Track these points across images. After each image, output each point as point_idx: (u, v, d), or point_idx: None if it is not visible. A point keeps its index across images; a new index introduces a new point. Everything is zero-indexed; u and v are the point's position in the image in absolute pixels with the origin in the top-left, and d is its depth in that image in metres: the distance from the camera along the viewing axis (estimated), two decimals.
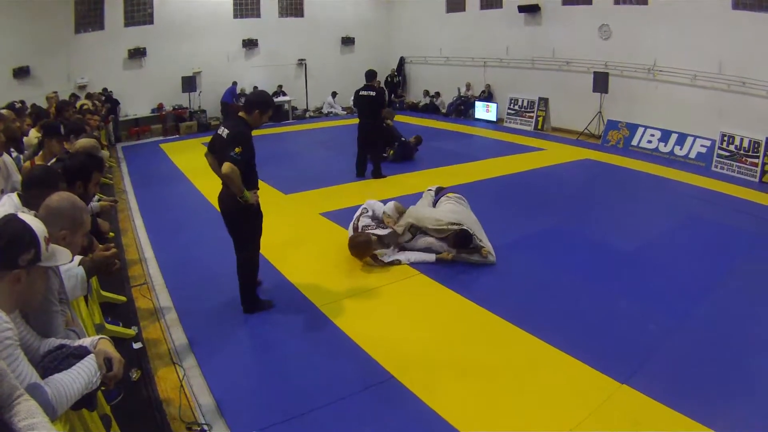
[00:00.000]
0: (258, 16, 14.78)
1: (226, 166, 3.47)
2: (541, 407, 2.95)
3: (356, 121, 8.28)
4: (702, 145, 9.48)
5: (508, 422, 2.83)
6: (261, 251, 4.09)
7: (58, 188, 2.36)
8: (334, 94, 15.94)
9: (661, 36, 10.02)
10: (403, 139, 9.34)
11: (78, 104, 9.56)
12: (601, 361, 3.31)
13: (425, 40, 16.09)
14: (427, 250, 4.96)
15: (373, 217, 5.25)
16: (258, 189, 3.84)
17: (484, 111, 13.98)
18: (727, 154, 8.90)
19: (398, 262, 4.85)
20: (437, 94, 15.70)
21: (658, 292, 4.33)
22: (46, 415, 1.38)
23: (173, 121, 13.39)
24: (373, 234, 4.89)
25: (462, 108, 14.70)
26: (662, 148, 10.11)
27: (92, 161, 3.11)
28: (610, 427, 2.75)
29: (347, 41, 16.61)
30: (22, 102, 8.80)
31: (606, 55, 11.19)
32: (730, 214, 6.66)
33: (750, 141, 8.57)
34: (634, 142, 10.61)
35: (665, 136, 10.13)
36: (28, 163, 4.33)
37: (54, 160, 3.85)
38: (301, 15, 15.62)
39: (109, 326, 3.65)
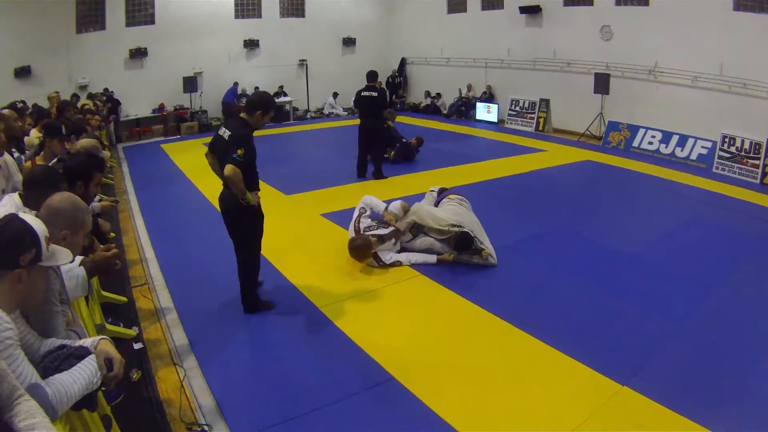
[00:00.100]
0: (259, 16, 14.80)
1: (229, 169, 3.47)
2: (541, 409, 2.95)
3: (357, 121, 8.28)
4: (703, 147, 9.48)
5: (507, 424, 2.82)
6: (262, 252, 4.10)
7: (59, 188, 2.36)
8: (335, 95, 15.95)
9: (662, 37, 10.02)
10: (404, 140, 9.35)
11: (79, 104, 9.57)
12: (601, 363, 3.31)
13: (426, 40, 16.10)
14: (428, 251, 4.96)
15: (374, 217, 5.25)
16: (259, 190, 3.84)
17: (485, 112, 13.98)
18: (728, 155, 8.89)
19: (399, 263, 4.85)
20: (438, 95, 15.70)
21: (659, 294, 4.33)
22: (47, 415, 1.38)
23: (174, 122, 13.41)
24: (373, 235, 4.89)
25: (463, 109, 14.70)
26: (663, 149, 10.10)
27: (93, 161, 3.11)
28: (611, 428, 2.75)
29: (348, 42, 16.63)
30: (23, 102, 8.81)
31: (607, 56, 11.19)
32: (731, 216, 6.66)
33: (751, 142, 8.56)
34: (635, 144, 10.61)
35: (666, 137, 10.13)
36: (29, 163, 4.34)
37: (55, 160, 3.86)
38: (303, 15, 15.63)
39: (109, 326, 3.65)
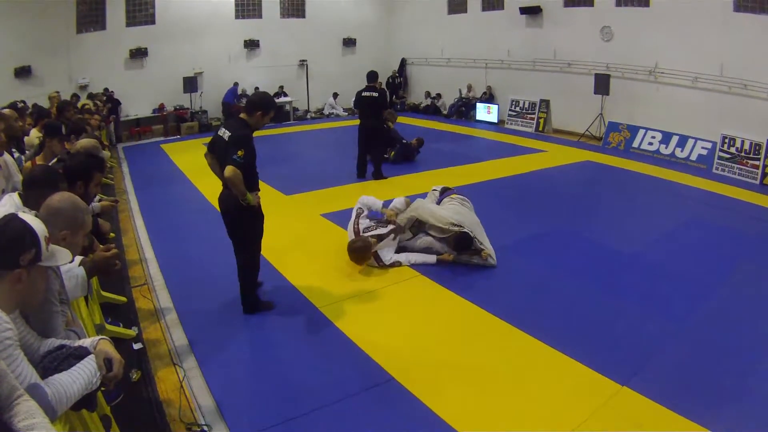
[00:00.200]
0: (259, 16, 14.80)
1: (229, 170, 3.46)
2: (540, 409, 2.94)
3: (357, 122, 8.28)
4: (703, 147, 9.48)
5: (507, 424, 2.82)
6: (261, 252, 4.09)
7: (58, 188, 2.36)
8: (335, 95, 15.96)
9: (663, 38, 10.02)
10: (404, 140, 9.35)
11: (79, 104, 9.57)
12: (601, 363, 3.31)
13: (427, 41, 16.10)
14: (427, 250, 4.96)
15: (372, 216, 5.24)
16: (259, 190, 3.84)
17: (485, 112, 13.98)
18: (728, 156, 8.89)
19: (399, 264, 4.85)
20: (438, 96, 15.71)
21: (658, 294, 4.33)
22: (46, 415, 1.37)
23: (174, 122, 13.41)
24: (372, 236, 4.88)
25: (463, 109, 14.71)
26: (663, 150, 10.10)
27: (93, 161, 3.11)
28: (610, 428, 2.75)
29: (349, 42, 16.63)
30: (24, 102, 8.81)
31: (607, 56, 11.19)
32: (731, 216, 6.66)
33: (751, 143, 8.56)
34: (635, 144, 10.61)
35: (666, 138, 10.13)
36: (29, 163, 4.34)
37: (55, 160, 3.86)
38: (303, 16, 15.64)
39: (109, 327, 3.65)
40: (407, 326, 3.89)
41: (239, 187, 3.52)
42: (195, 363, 3.42)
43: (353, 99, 8.55)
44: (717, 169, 9.02)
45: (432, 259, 4.88)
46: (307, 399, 3.02)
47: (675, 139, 9.96)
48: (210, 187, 5.68)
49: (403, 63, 17.28)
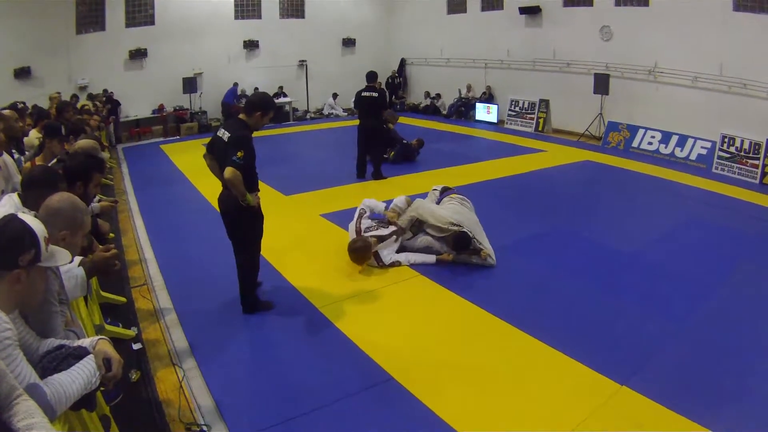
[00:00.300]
0: (259, 17, 14.80)
1: (229, 171, 3.46)
2: (540, 408, 2.95)
3: (357, 122, 8.28)
4: (702, 147, 9.48)
5: (506, 423, 2.82)
6: (261, 252, 4.09)
7: (58, 189, 2.36)
8: (334, 96, 15.96)
9: (662, 37, 10.02)
10: (404, 141, 9.35)
11: (79, 105, 9.58)
12: (600, 363, 3.31)
13: (426, 41, 16.10)
14: (426, 250, 4.96)
15: (374, 217, 5.25)
16: (259, 191, 3.84)
17: (484, 112, 13.98)
18: (728, 155, 8.89)
19: (398, 263, 4.85)
20: (438, 96, 15.70)
21: (658, 294, 4.33)
22: (45, 415, 1.38)
23: (174, 122, 13.41)
24: (373, 236, 4.89)
25: (463, 109, 14.70)
26: (663, 149, 10.10)
27: (93, 162, 3.11)
28: (610, 428, 2.75)
29: (348, 42, 16.63)
30: (24, 103, 8.80)
31: (607, 56, 11.19)
32: (731, 216, 6.66)
33: (750, 143, 8.56)
34: (635, 144, 10.61)
35: (666, 137, 10.13)
36: (28, 164, 4.34)
37: (54, 160, 3.86)
38: (302, 16, 15.64)
39: (108, 327, 3.65)
40: (407, 326, 3.89)
41: (239, 188, 3.52)
42: (194, 363, 3.42)
43: (353, 99, 8.55)
44: (716, 168, 9.03)
45: (431, 258, 4.88)
46: (306, 399, 3.02)
47: (674, 139, 9.96)
48: (209, 187, 5.68)
49: (402, 63, 17.28)
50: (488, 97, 14.17)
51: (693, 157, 9.60)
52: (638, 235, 5.76)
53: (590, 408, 2.92)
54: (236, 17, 14.46)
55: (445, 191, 5.49)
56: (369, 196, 5.55)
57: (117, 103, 12.19)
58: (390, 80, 16.75)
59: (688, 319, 3.92)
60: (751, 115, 8.72)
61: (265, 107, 3.68)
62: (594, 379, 3.18)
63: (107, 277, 3.91)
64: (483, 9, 14.21)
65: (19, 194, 2.63)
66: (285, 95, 14.95)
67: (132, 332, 3.79)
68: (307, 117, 15.56)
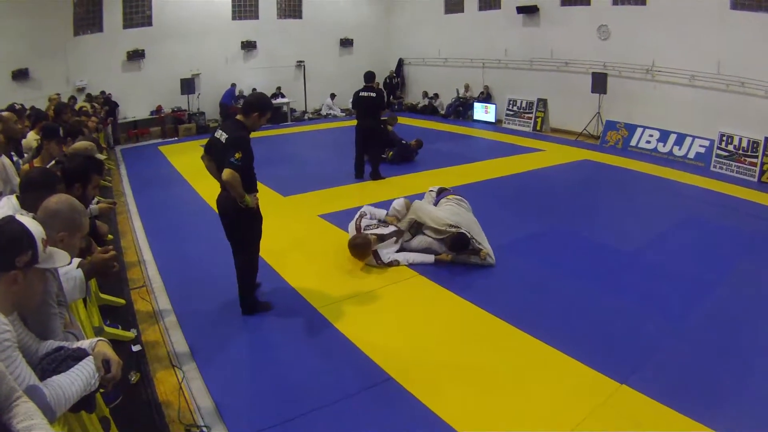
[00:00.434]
0: (256, 17, 14.79)
1: (227, 173, 3.46)
2: (540, 408, 2.95)
3: (355, 122, 8.28)
4: (701, 145, 9.50)
5: (506, 423, 2.82)
6: (260, 253, 4.09)
7: (56, 190, 2.36)
8: (332, 96, 15.95)
9: (660, 36, 10.04)
10: (403, 141, 9.35)
11: (77, 106, 9.56)
12: (600, 362, 3.31)
13: (424, 41, 16.11)
14: (425, 250, 4.96)
15: (374, 217, 5.26)
16: (257, 192, 3.84)
17: (482, 112, 13.99)
18: (726, 154, 8.91)
19: (397, 263, 4.85)
20: (436, 96, 15.71)
21: (657, 293, 4.34)
22: (45, 416, 1.38)
23: (172, 124, 13.39)
24: (373, 234, 4.89)
25: (461, 109, 14.71)
26: (661, 148, 10.12)
27: (91, 164, 3.11)
28: (609, 427, 2.75)
29: (346, 43, 16.63)
30: (22, 105, 8.78)
31: (604, 55, 11.21)
32: (729, 214, 6.67)
33: (749, 141, 8.58)
34: (633, 143, 10.62)
35: (664, 136, 10.15)
36: (26, 166, 4.33)
37: (53, 162, 3.85)
38: (300, 17, 15.63)
39: (108, 329, 3.64)
40: (406, 326, 3.89)
41: (237, 190, 3.52)
42: (194, 364, 3.41)
43: (351, 99, 8.54)
44: (715, 166, 9.04)
45: (430, 258, 4.88)
46: (306, 399, 3.02)
47: (673, 138, 9.98)
48: (208, 188, 5.68)
49: (400, 63, 17.29)
50: (486, 97, 14.18)
51: (691, 155, 9.61)
52: (637, 234, 5.77)
53: (590, 407, 2.93)
54: (233, 18, 14.45)
55: (441, 192, 5.50)
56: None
57: (115, 105, 12.17)
58: (388, 80, 16.75)
59: (687, 319, 3.93)
60: (749, 114, 8.74)
61: (262, 108, 3.68)
62: (593, 378, 3.18)
63: (106, 278, 3.89)
64: (480, 8, 14.23)
65: (17, 196, 2.63)
66: (283, 96, 14.94)
67: (131, 334, 3.78)
68: (305, 117, 15.56)
